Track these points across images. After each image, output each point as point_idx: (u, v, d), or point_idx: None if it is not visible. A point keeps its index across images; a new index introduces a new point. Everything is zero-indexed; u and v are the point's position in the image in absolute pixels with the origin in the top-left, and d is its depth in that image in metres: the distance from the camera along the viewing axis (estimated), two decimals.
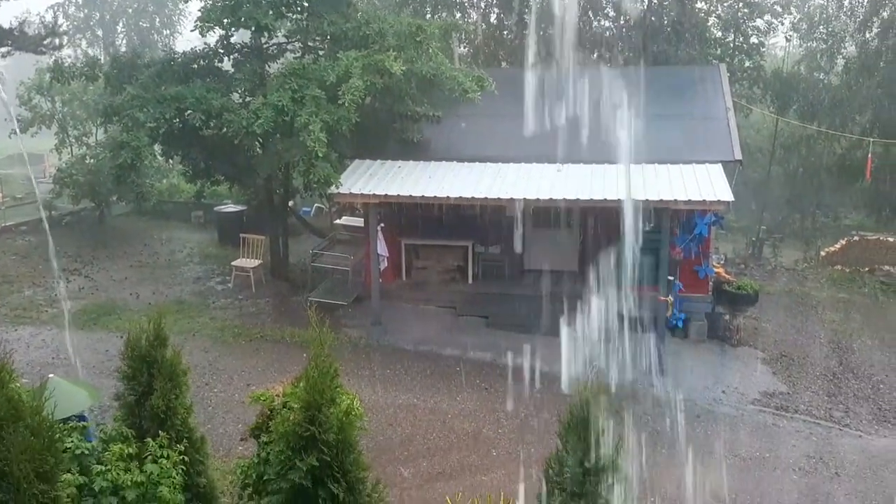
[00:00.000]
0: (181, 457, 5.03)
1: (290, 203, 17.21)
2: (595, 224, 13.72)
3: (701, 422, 10.45)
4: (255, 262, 15.28)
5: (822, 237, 20.48)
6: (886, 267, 17.80)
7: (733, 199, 11.58)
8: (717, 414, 10.74)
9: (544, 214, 13.38)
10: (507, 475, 8.68)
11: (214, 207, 19.02)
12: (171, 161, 17.68)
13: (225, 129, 13.21)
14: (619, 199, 11.30)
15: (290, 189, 16.03)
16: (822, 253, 18.82)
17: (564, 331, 12.13)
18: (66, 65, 14.21)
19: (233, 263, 15.48)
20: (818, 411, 11.06)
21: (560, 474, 4.15)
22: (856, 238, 18.72)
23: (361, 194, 12.50)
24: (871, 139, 16.99)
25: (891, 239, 18.52)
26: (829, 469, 9.37)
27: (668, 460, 8.82)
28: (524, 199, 11.93)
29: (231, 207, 18.78)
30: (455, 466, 8.96)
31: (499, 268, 14.39)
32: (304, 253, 16.11)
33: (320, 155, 11.60)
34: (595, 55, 19.74)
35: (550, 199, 11.64)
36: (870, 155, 16.56)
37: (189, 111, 13.01)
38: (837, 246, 18.77)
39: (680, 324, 12.80)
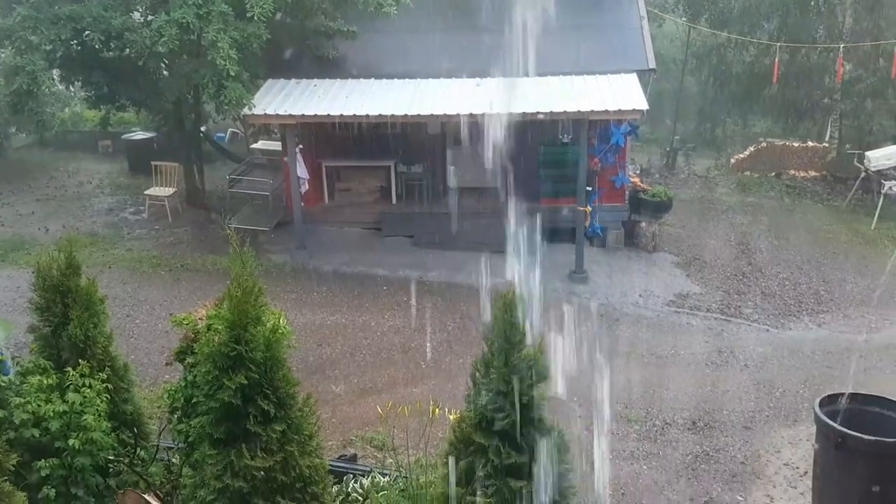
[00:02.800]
0: (104, 385, 4.95)
1: (203, 128, 16.62)
2: (515, 138, 13.77)
3: (620, 324, 10.90)
4: (169, 191, 14.81)
5: (733, 144, 21.13)
6: (792, 171, 18.61)
7: (648, 108, 11.78)
8: (636, 316, 11.22)
9: (465, 131, 13.32)
10: (437, 385, 8.91)
11: (122, 136, 18.18)
12: (71, 88, 16.73)
13: (127, 51, 12.52)
14: (537, 112, 11.35)
15: (202, 113, 15.45)
16: (732, 160, 19.46)
17: (487, 245, 12.33)
18: None
19: (146, 193, 14.96)
20: (728, 309, 11.66)
21: (486, 375, 4.27)
22: (763, 144, 19.40)
23: (277, 115, 12.17)
24: (779, 44, 17.43)
25: (796, 144, 19.28)
26: (739, 362, 9.96)
27: (588, 361, 9.19)
28: (444, 114, 11.85)
29: (140, 135, 17.98)
30: (385, 381, 9.13)
31: (422, 187, 14.36)
32: (220, 179, 15.68)
33: (231, 74, 11.17)
34: None
35: (471, 114, 11.58)
36: (776, 60, 17.01)
37: (87, 32, 12.23)
38: (746, 153, 19.44)
39: (599, 233, 13.15)
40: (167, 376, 8.31)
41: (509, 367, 4.13)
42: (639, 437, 8.08)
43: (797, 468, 7.45)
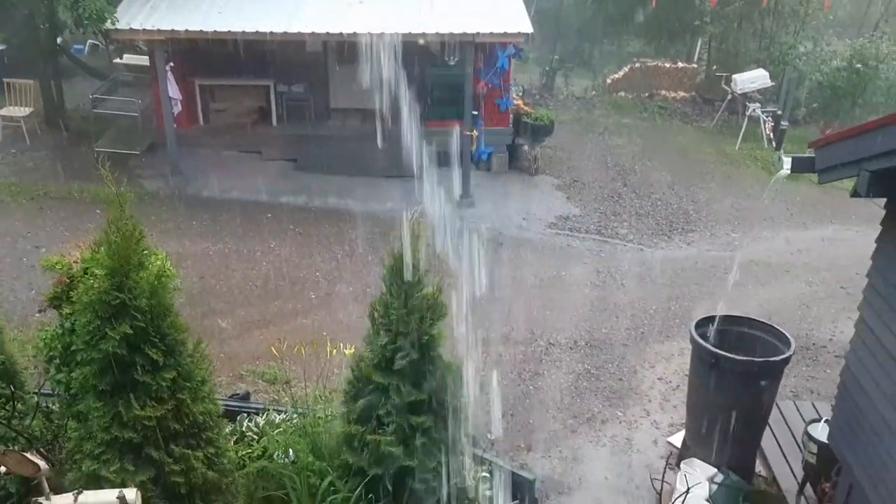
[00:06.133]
0: None
1: (59, 40, 15.24)
2: (401, 59, 13.45)
3: (505, 248, 11.13)
4: (25, 111, 13.60)
5: (609, 65, 21.55)
6: (663, 91, 19.24)
7: (532, 30, 11.75)
8: (520, 240, 11.48)
9: (348, 50, 12.89)
10: (328, 315, 8.86)
11: None
12: None
13: None
14: (423, 33, 11.10)
15: (58, 23, 14.12)
16: (608, 80, 19.90)
17: (373, 169, 12.16)
18: None
19: None
20: (606, 230, 12.13)
21: (385, 316, 4.27)
22: (637, 65, 19.90)
23: (144, 30, 11.28)
24: None
25: (667, 65, 19.89)
26: (616, 281, 10.44)
27: (475, 286, 9.37)
28: (326, 33, 11.37)
29: None
30: (274, 313, 8.97)
31: (304, 108, 13.87)
32: (82, 97, 14.51)
33: None
34: None
35: (354, 33, 11.18)
36: None
37: None
38: (621, 73, 19.90)
39: (486, 157, 13.23)
40: (38, 316, 7.85)
41: (408, 309, 4.14)
42: (525, 358, 8.40)
43: (670, 382, 8.00)
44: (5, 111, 13.62)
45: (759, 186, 13.75)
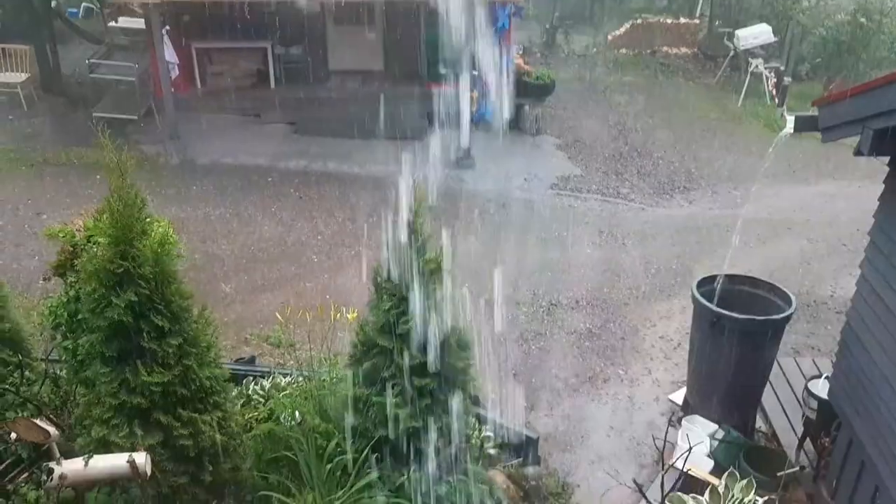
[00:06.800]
0: None
1: (53, 3, 15.04)
2: (400, 20, 13.30)
3: (506, 210, 11.11)
4: (22, 76, 13.49)
5: (610, 21, 21.27)
6: (665, 48, 19.02)
7: None
8: (521, 200, 11.46)
9: (346, 10, 12.73)
10: (331, 279, 8.90)
11: None
12: None
13: None
14: None
15: None
16: (609, 37, 19.65)
17: (373, 132, 12.10)
18: None
19: None
20: (607, 190, 12.10)
21: (388, 281, 4.29)
22: (638, 21, 19.63)
23: None
24: None
25: (669, 21, 19.63)
26: (618, 241, 10.44)
27: (477, 248, 9.40)
28: None
29: None
30: (277, 277, 9.01)
31: (302, 70, 13.73)
32: (78, 62, 14.39)
33: None
34: None
35: None
36: None
37: None
38: (622, 30, 19.64)
39: (488, 117, 13.14)
40: (42, 283, 7.87)
41: (411, 273, 4.15)
42: (527, 318, 8.45)
43: (671, 340, 8.05)
44: (1, 77, 13.51)
45: (761, 144, 13.64)
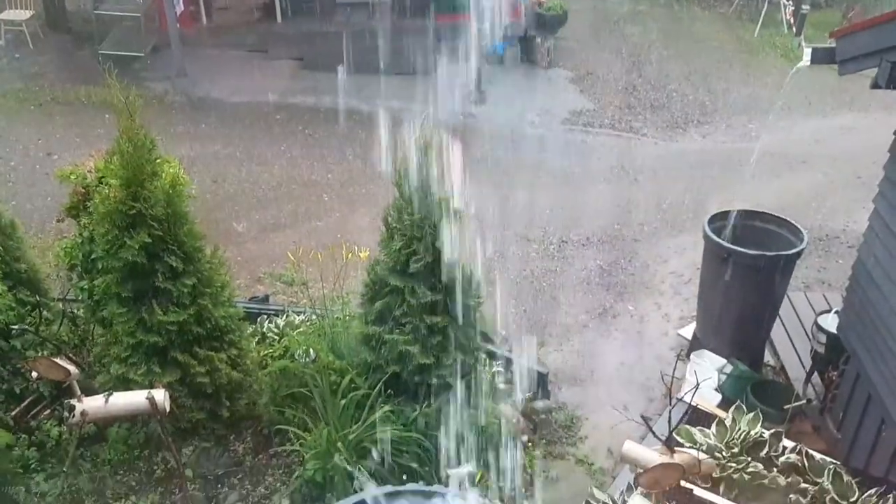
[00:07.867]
0: None
1: None
2: None
3: (518, 145, 11.01)
4: (26, 14, 13.28)
5: None
6: None
7: None
8: (533, 136, 11.34)
9: None
10: (342, 218, 8.91)
11: None
12: None
13: None
14: None
15: None
16: None
17: (382, 66, 11.92)
18: None
19: None
20: (620, 124, 11.93)
21: (399, 221, 4.30)
22: None
23: None
24: None
25: None
26: (630, 176, 10.36)
27: (492, 187, 9.36)
28: None
29: None
30: (288, 215, 9.03)
31: (309, 3, 13.45)
32: None
33: None
34: None
35: None
36: None
37: None
38: None
39: (500, 50, 12.90)
40: (55, 224, 7.94)
41: (422, 213, 4.16)
42: (538, 255, 8.46)
43: (682, 276, 8.07)
44: (6, 14, 13.32)
45: (777, 75, 13.37)
